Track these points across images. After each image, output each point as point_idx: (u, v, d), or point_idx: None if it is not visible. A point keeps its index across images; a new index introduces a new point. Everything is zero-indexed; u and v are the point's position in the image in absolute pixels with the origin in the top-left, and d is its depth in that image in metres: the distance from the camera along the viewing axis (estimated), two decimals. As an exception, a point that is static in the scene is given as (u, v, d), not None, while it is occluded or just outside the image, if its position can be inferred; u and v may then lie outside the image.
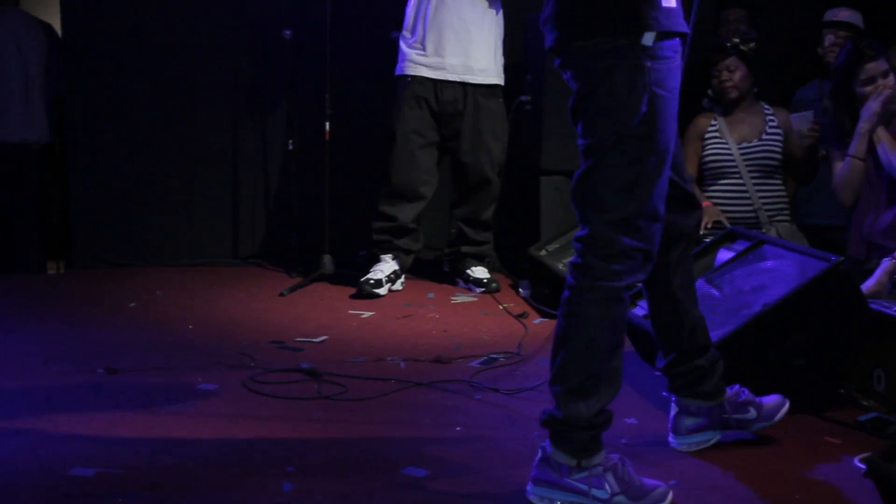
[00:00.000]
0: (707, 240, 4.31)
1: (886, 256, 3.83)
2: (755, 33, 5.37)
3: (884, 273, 3.78)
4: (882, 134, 4.38)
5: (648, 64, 2.64)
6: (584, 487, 2.72)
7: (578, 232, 2.77)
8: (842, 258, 3.46)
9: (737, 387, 3.19)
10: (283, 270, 5.98)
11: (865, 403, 3.52)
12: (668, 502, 2.75)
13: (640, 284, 3.06)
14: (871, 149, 4.44)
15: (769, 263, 3.72)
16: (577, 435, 2.73)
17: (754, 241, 3.93)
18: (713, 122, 5.37)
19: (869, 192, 4.54)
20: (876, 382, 3.57)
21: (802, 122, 5.25)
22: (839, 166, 4.59)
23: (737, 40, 5.23)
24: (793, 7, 6.43)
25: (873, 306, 3.59)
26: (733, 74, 5.26)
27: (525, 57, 6.02)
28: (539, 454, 2.79)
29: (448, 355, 4.20)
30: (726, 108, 5.38)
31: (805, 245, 5.02)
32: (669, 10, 2.68)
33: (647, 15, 2.63)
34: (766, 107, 5.37)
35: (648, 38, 2.63)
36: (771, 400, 3.19)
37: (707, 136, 5.34)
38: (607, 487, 2.72)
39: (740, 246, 4.00)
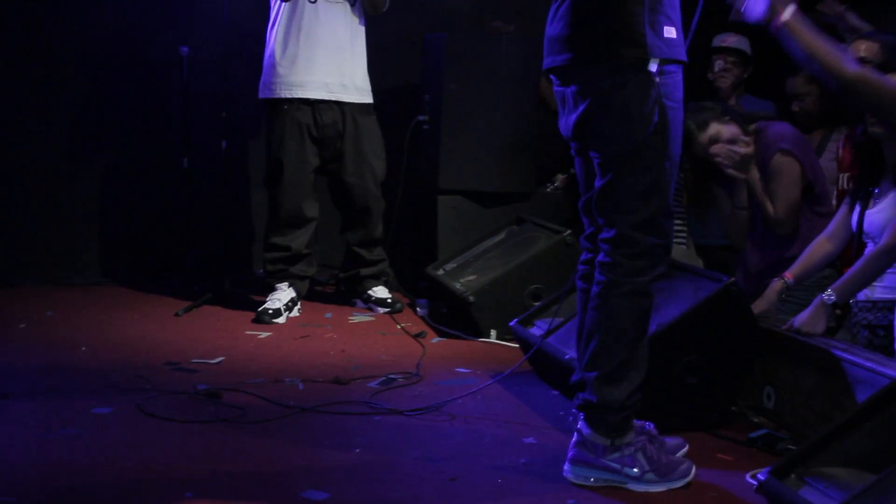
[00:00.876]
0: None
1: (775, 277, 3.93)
2: None
3: (772, 292, 3.88)
4: (754, 174, 4.52)
5: (657, 79, 2.92)
6: (618, 466, 3.04)
7: (604, 234, 3.04)
8: (733, 279, 3.56)
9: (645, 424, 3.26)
10: (179, 290, 5.90)
11: (756, 420, 3.62)
12: (692, 475, 3.07)
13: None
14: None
15: (662, 284, 3.77)
16: (610, 417, 3.04)
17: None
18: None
19: (750, 229, 4.67)
20: (766, 399, 3.67)
21: None
22: (725, 202, 4.73)
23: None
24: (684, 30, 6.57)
25: (763, 325, 3.69)
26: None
27: (422, 77, 6.04)
28: (575, 437, 3.10)
29: (347, 376, 4.19)
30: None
31: (698, 261, 5.15)
32: (671, 39, 2.94)
33: (653, 43, 2.89)
34: None
35: (653, 65, 2.90)
36: (673, 441, 3.28)
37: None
38: (638, 466, 3.03)
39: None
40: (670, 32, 2.93)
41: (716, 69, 5.62)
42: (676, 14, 2.99)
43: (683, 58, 3.01)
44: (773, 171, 4.42)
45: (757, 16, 2.98)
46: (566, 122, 3.11)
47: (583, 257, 3.22)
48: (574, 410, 3.18)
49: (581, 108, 2.99)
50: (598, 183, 3.03)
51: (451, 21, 6.39)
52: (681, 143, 3.07)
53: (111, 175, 6.31)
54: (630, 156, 2.93)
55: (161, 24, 6.24)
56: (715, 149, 4.52)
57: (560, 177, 6.00)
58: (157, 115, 6.31)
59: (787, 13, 2.94)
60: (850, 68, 2.95)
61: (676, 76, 3.01)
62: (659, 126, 2.92)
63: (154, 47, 6.23)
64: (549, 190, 5.97)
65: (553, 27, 3.05)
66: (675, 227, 5.24)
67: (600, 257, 3.05)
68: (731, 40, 5.61)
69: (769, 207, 4.45)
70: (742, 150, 4.53)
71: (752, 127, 4.57)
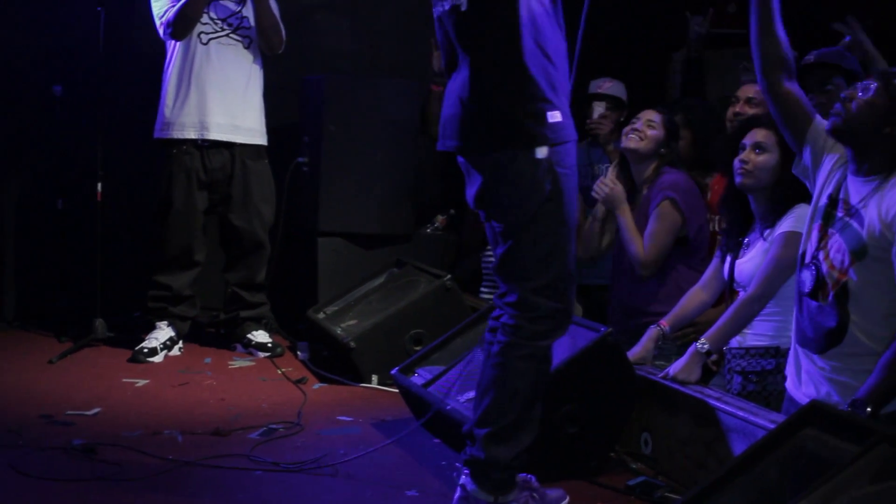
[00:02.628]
0: (481, 309, 4.43)
1: (652, 324, 4.00)
2: None
3: (649, 340, 3.95)
4: (626, 213, 4.62)
5: (553, 148, 3.01)
6: None
7: (507, 298, 3.11)
8: (610, 329, 3.62)
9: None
10: (52, 335, 5.75)
11: (634, 467, 3.69)
12: None
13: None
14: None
15: (542, 333, 3.83)
16: (495, 475, 3.08)
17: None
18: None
19: (620, 262, 4.77)
20: (643, 445, 3.74)
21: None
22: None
23: None
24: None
25: (639, 373, 3.77)
26: None
27: (301, 118, 6.04)
28: (458, 492, 3.14)
29: (227, 427, 4.13)
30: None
31: (577, 308, 5.21)
32: (556, 124, 3.01)
33: (537, 132, 2.98)
34: None
35: (541, 152, 2.98)
36: (554, 493, 3.31)
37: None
38: None
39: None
40: (555, 116, 3.00)
41: (595, 115, 5.72)
42: (561, 89, 3.05)
43: (571, 136, 3.08)
44: (656, 215, 4.52)
45: None
46: (469, 193, 3.19)
47: (494, 313, 3.26)
48: (458, 465, 3.20)
49: (478, 181, 3.11)
50: (498, 251, 3.14)
51: (331, 63, 6.40)
52: (577, 208, 3.16)
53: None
54: (526, 224, 3.02)
55: (33, 62, 6.11)
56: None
57: (440, 218, 6.04)
58: (31, 155, 6.16)
59: None
60: None
61: (568, 145, 3.07)
62: (552, 194, 3.01)
63: (27, 86, 6.09)
64: (429, 231, 6.00)
65: (446, 109, 3.16)
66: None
67: (504, 318, 3.12)
68: (606, 86, 5.71)
69: (637, 247, 4.55)
70: (606, 188, 4.67)
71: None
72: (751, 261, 3.81)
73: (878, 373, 3.04)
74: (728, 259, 3.94)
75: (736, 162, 3.82)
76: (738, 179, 3.82)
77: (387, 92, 5.75)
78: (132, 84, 6.01)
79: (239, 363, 5.33)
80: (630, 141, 4.64)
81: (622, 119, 5.84)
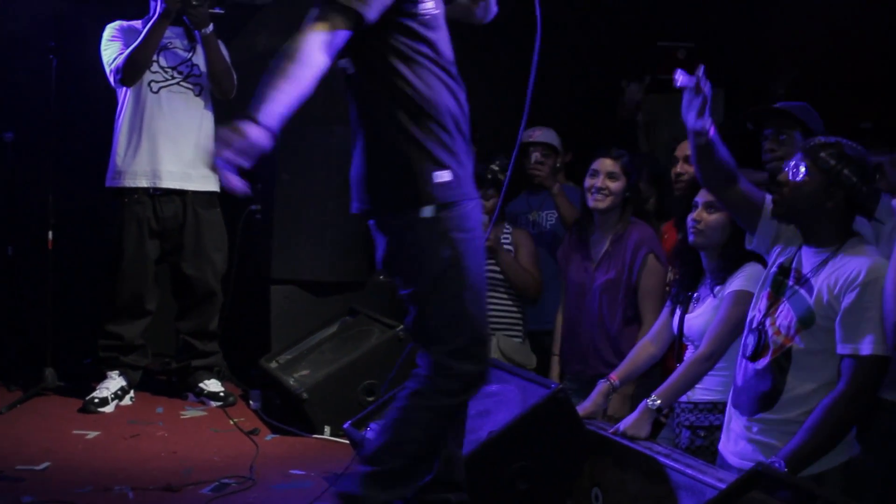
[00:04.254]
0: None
1: (602, 378, 4.04)
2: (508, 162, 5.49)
3: (599, 394, 3.98)
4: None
5: (443, 214, 3.04)
6: None
7: (420, 357, 3.14)
8: (561, 386, 3.66)
9: None
10: (0, 382, 5.70)
11: (585, 522, 3.72)
12: None
13: None
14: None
15: (493, 387, 3.87)
16: None
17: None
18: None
19: (575, 302, 4.81)
20: (594, 501, 3.77)
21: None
22: None
23: (496, 168, 5.38)
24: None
25: (590, 427, 3.80)
26: (487, 203, 5.37)
27: (254, 164, 6.02)
28: None
29: (179, 482, 4.10)
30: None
31: (531, 357, 5.26)
32: (442, 184, 3.04)
33: (424, 192, 3.03)
34: (507, 226, 5.51)
35: (428, 211, 3.02)
36: None
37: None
38: None
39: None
40: (441, 177, 3.04)
41: (532, 161, 5.81)
42: (454, 150, 3.09)
43: (464, 196, 3.10)
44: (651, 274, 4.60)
45: None
46: (377, 256, 3.25)
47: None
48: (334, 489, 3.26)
49: (382, 248, 3.18)
50: (408, 319, 3.19)
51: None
52: (484, 268, 3.16)
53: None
54: (431, 291, 3.07)
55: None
56: None
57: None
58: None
59: None
60: None
61: (465, 207, 3.09)
62: (452, 260, 3.04)
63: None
64: (382, 278, 6.01)
65: (352, 169, 3.23)
66: (510, 318, 5.36)
67: (417, 369, 3.15)
68: (537, 134, 5.80)
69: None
70: None
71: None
72: (700, 316, 3.86)
73: (802, 434, 3.12)
74: (678, 312, 4.00)
75: (689, 220, 3.88)
76: (690, 238, 3.88)
77: (340, 139, 5.76)
78: (84, 132, 6.00)
79: (191, 413, 5.31)
80: (597, 202, 4.68)
81: (559, 164, 5.92)
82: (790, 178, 3.28)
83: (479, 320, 3.11)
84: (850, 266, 3.18)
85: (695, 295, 3.96)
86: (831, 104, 4.88)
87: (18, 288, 5.97)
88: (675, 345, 4.00)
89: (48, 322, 5.55)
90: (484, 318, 3.14)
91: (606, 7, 7.21)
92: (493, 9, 3.54)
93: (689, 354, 3.86)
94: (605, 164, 4.73)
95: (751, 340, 3.34)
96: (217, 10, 5.39)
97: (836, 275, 3.18)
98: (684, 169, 4.73)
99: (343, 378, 4.92)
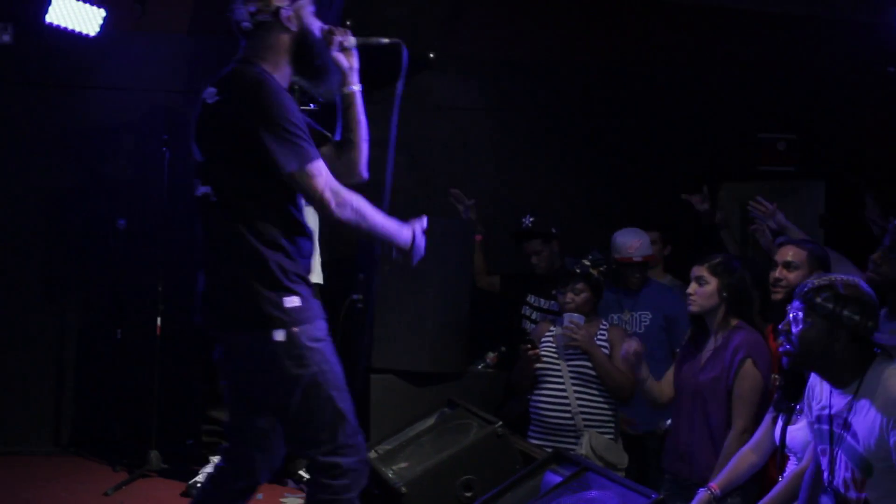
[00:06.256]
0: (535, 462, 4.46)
1: (702, 487, 4.02)
2: (603, 258, 5.54)
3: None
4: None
5: (295, 329, 3.23)
6: None
7: (308, 464, 3.36)
8: (661, 497, 3.65)
9: None
10: (106, 463, 5.86)
11: None
12: None
13: None
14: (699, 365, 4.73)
15: (593, 493, 3.88)
16: None
17: (579, 468, 4.09)
18: (551, 329, 5.53)
19: (679, 401, 4.79)
20: None
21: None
22: None
23: (587, 263, 5.42)
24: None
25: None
26: (577, 297, 5.40)
27: (357, 255, 6.16)
28: None
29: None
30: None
31: (623, 456, 5.23)
32: (293, 308, 3.24)
33: (274, 316, 3.22)
34: (605, 322, 5.50)
35: (280, 335, 3.21)
36: None
37: (542, 342, 5.48)
38: None
39: (566, 471, 4.16)
40: (292, 301, 3.24)
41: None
42: (303, 273, 3.33)
43: (314, 316, 3.31)
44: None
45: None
46: (224, 370, 3.48)
47: None
48: None
49: (235, 368, 3.42)
50: (278, 429, 3.41)
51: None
52: (341, 370, 3.37)
53: (42, 343, 6.30)
54: (299, 401, 3.26)
55: (99, 196, 6.32)
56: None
57: (491, 355, 6.11)
58: (94, 286, 6.35)
59: None
60: None
61: (315, 319, 3.31)
62: (313, 367, 3.26)
63: (92, 219, 6.29)
64: (479, 368, 6.07)
65: (199, 286, 3.45)
66: (602, 416, 5.34)
67: (307, 477, 3.40)
68: (634, 247, 5.84)
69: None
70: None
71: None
72: (803, 429, 3.82)
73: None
74: (780, 421, 3.96)
75: (783, 336, 3.87)
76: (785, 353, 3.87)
77: (439, 231, 5.84)
78: (192, 221, 6.14)
79: (290, 500, 5.39)
80: (690, 306, 4.70)
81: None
82: (792, 327, 3.30)
83: (349, 416, 3.34)
84: (883, 399, 3.16)
85: (798, 406, 3.92)
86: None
87: (126, 371, 6.14)
88: (777, 456, 3.97)
89: (154, 405, 5.70)
90: (353, 412, 3.36)
91: (707, 100, 7.25)
92: (363, 174, 3.64)
93: (791, 467, 3.83)
94: (695, 270, 4.74)
95: (827, 501, 3.33)
96: (311, 107, 5.50)
97: (872, 416, 3.17)
98: (783, 275, 4.68)
99: (441, 473, 4.93)
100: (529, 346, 5.37)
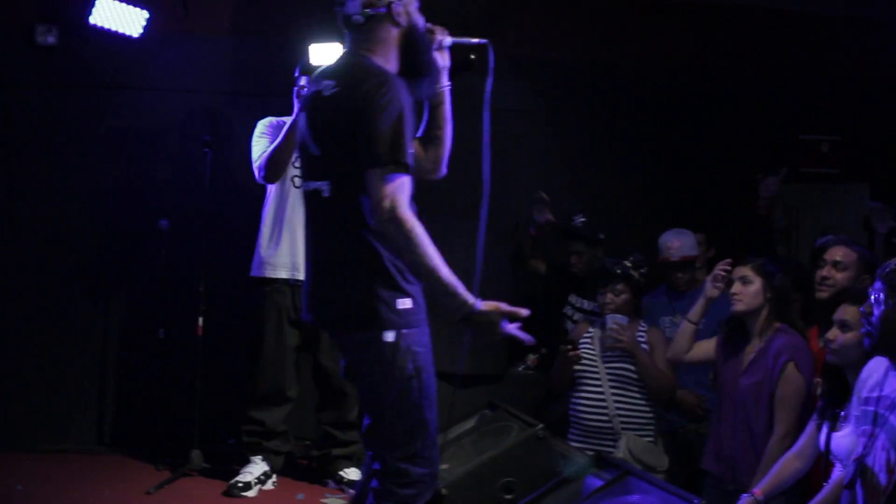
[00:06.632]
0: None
1: (745, 493, 4.00)
2: (644, 259, 5.54)
3: (742, 511, 3.95)
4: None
5: (405, 331, 3.28)
6: None
7: (375, 465, 3.35)
8: (703, 501, 3.63)
9: None
10: (149, 461, 5.90)
11: None
12: None
13: None
14: (733, 371, 4.70)
15: (634, 498, 3.87)
16: None
17: (620, 472, 4.08)
18: (589, 331, 5.53)
19: (720, 404, 4.76)
20: None
21: (607, 323, 5.34)
22: None
23: (628, 264, 5.40)
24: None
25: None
26: (617, 298, 5.40)
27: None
28: None
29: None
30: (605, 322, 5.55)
31: (663, 458, 5.21)
32: (405, 310, 3.29)
33: (386, 318, 3.26)
34: (643, 324, 5.48)
35: (390, 336, 3.26)
36: None
37: (581, 343, 5.48)
38: None
39: (607, 475, 4.15)
40: (404, 303, 3.29)
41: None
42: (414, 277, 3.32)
43: (418, 323, 3.36)
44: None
45: None
46: (341, 364, 3.52)
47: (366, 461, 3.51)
48: None
49: (344, 359, 3.46)
50: (366, 422, 3.41)
51: (421, 202, 6.53)
52: (434, 376, 3.41)
53: (84, 343, 6.36)
54: (392, 401, 3.30)
55: (142, 196, 6.36)
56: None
57: (531, 357, 6.10)
58: (136, 285, 6.40)
59: None
60: None
61: (422, 323, 3.38)
62: (413, 373, 3.31)
63: (135, 219, 6.34)
64: (520, 370, 6.06)
65: (306, 283, 3.49)
66: (642, 418, 5.32)
67: (374, 484, 3.35)
68: (675, 248, 5.82)
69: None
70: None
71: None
72: (848, 437, 3.78)
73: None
74: (825, 428, 3.93)
75: (826, 338, 3.85)
76: (827, 357, 3.85)
77: (468, 235, 5.83)
78: (234, 222, 6.20)
79: (331, 500, 5.40)
80: (734, 305, 4.66)
81: (698, 264, 6.01)
82: (874, 310, 3.25)
83: (432, 426, 3.37)
84: None
85: (842, 413, 3.88)
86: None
87: (168, 370, 6.18)
88: (822, 462, 3.94)
89: (196, 404, 5.73)
90: (435, 424, 3.39)
91: (749, 102, 7.21)
92: (444, 170, 3.71)
93: (836, 474, 3.79)
94: (739, 270, 4.70)
95: (849, 471, 3.30)
96: None
97: None
98: (831, 274, 4.65)
99: (482, 475, 4.92)
100: (570, 346, 5.36)
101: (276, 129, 5.53)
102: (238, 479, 5.40)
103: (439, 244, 3.29)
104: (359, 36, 3.43)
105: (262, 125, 5.60)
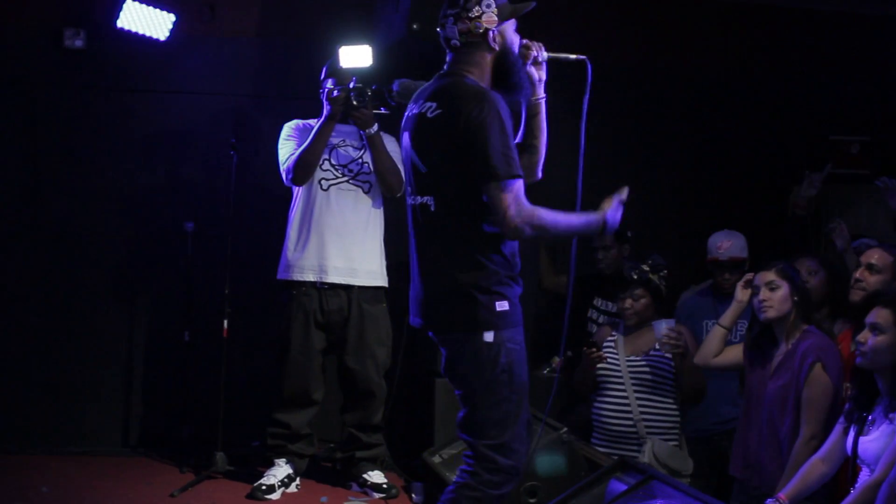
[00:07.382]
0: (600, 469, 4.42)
1: (770, 497, 3.96)
2: (664, 263, 5.50)
3: (767, 515, 3.91)
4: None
5: (503, 332, 3.52)
6: None
7: (468, 451, 3.59)
8: (729, 509, 3.60)
9: None
10: (173, 464, 5.90)
11: None
12: None
13: None
14: (758, 379, 4.64)
15: (658, 502, 3.83)
16: None
17: (644, 476, 4.04)
18: (613, 334, 5.50)
19: (747, 409, 4.70)
20: None
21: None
22: None
23: (646, 269, 5.36)
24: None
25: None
26: (636, 303, 5.36)
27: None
28: None
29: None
30: (627, 326, 5.53)
31: (688, 462, 5.16)
32: (503, 312, 3.52)
33: (486, 320, 3.51)
34: (670, 321, 5.38)
35: (489, 336, 3.49)
36: None
37: (605, 346, 5.45)
38: None
39: (631, 479, 4.11)
40: (503, 305, 3.52)
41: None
42: (515, 278, 3.60)
43: (517, 322, 3.58)
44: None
45: None
46: (442, 363, 3.70)
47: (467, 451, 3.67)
48: None
49: (444, 355, 3.65)
50: (460, 414, 3.63)
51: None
52: (527, 374, 3.60)
53: (109, 345, 6.38)
54: (484, 393, 3.53)
55: (167, 198, 6.38)
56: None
57: (556, 359, 6.05)
58: (162, 288, 6.41)
59: None
60: None
61: (518, 322, 3.59)
62: (506, 366, 3.51)
63: (161, 221, 6.36)
64: (545, 373, 6.02)
65: (413, 288, 3.73)
66: (668, 422, 5.28)
67: (464, 465, 3.58)
68: (725, 248, 5.75)
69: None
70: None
71: None
72: (876, 441, 3.73)
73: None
74: (852, 432, 3.88)
75: (857, 340, 3.80)
76: (857, 359, 3.79)
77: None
78: (260, 225, 6.21)
79: (354, 503, 5.39)
80: (764, 313, 4.59)
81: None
82: None
83: (521, 422, 3.57)
84: None
85: (870, 417, 3.83)
86: None
87: (193, 373, 6.18)
88: (849, 467, 3.89)
89: (220, 407, 5.73)
90: (524, 421, 3.59)
91: (779, 103, 7.14)
92: (539, 175, 3.94)
93: (863, 478, 3.74)
94: (763, 276, 4.65)
95: None
96: (382, 111, 5.48)
97: None
98: (864, 276, 4.59)
99: (505, 479, 4.91)
100: (594, 349, 5.34)
101: (303, 131, 5.53)
102: (262, 481, 5.39)
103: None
104: (457, 57, 3.71)
105: (289, 127, 5.60)
